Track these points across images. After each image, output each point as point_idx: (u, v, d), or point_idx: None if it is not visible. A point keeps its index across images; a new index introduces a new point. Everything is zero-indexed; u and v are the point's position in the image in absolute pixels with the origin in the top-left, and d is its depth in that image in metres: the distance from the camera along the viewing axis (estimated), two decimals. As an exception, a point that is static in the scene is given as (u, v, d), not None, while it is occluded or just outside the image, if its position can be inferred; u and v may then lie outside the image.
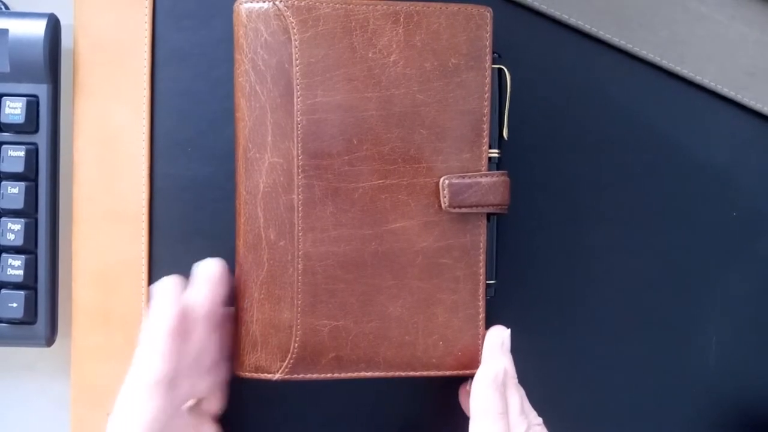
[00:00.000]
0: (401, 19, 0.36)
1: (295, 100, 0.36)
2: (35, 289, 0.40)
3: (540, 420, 0.38)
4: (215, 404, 0.38)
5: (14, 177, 0.40)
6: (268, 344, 0.36)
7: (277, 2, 0.36)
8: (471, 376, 0.37)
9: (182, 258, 0.39)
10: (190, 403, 0.37)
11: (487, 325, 0.38)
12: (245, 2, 0.36)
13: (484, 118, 0.37)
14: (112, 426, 0.32)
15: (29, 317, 0.40)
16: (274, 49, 0.36)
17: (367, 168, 0.36)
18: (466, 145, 0.37)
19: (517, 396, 0.37)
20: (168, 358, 0.32)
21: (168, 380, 0.32)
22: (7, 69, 0.40)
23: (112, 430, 0.32)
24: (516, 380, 0.37)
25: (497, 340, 0.37)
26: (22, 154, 0.39)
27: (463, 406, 0.40)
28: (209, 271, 0.35)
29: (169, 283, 0.34)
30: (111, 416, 0.32)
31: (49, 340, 0.41)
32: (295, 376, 0.36)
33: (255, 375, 0.37)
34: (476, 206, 0.37)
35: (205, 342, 0.36)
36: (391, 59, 0.36)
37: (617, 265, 0.43)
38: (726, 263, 0.44)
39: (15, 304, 0.39)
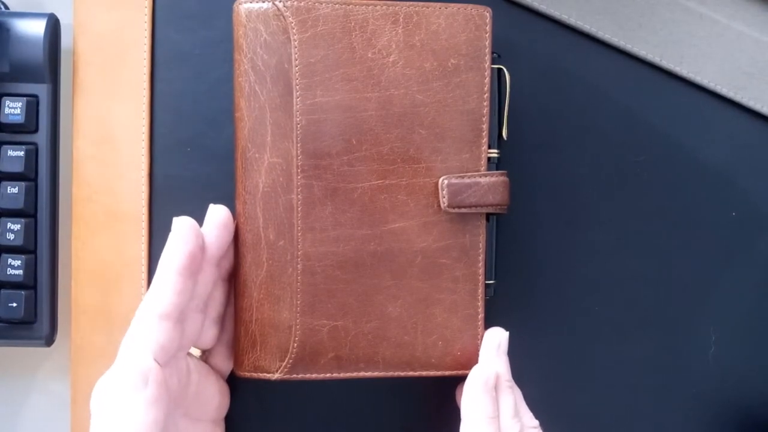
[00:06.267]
0: (400, 20, 0.36)
1: (294, 100, 0.36)
2: (35, 289, 0.40)
3: (536, 422, 0.38)
4: (222, 360, 0.39)
5: (14, 177, 0.40)
6: (267, 344, 0.36)
7: (276, 2, 0.36)
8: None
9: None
10: (197, 353, 0.39)
11: (487, 325, 0.38)
12: (245, 2, 0.36)
13: (484, 118, 0.37)
14: (124, 350, 0.33)
15: (29, 317, 0.40)
16: (273, 49, 0.36)
17: (366, 168, 0.36)
18: (465, 145, 0.37)
19: (510, 398, 0.37)
20: (178, 292, 0.33)
21: (177, 314, 0.33)
22: (7, 69, 0.40)
23: (124, 353, 0.33)
24: (510, 383, 0.37)
25: (494, 342, 0.37)
26: (21, 153, 0.39)
27: (460, 407, 0.40)
28: (216, 216, 0.36)
29: (185, 222, 0.34)
30: (123, 341, 0.33)
31: (49, 339, 0.41)
32: (294, 376, 0.37)
33: (254, 375, 0.37)
34: (475, 206, 0.37)
35: (211, 289, 0.37)
36: (391, 59, 0.36)
37: (617, 265, 0.43)
38: (726, 263, 0.44)
39: (15, 304, 0.39)
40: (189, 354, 0.37)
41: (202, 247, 0.35)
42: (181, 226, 0.34)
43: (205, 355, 0.39)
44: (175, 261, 0.33)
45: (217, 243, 0.36)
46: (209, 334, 0.37)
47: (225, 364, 0.39)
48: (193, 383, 0.36)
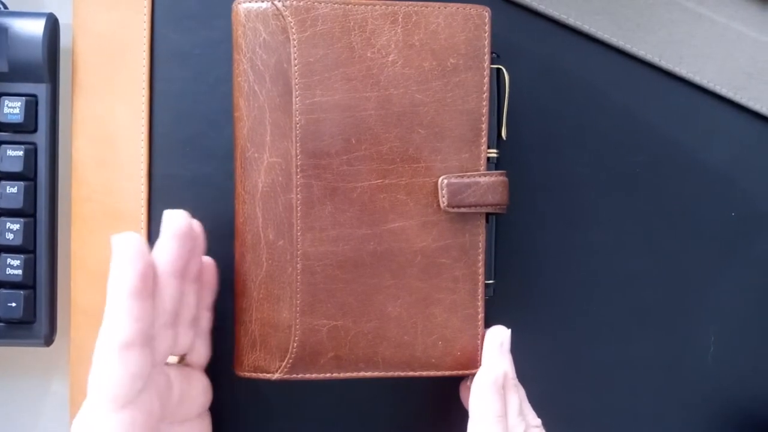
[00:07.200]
0: (400, 19, 0.36)
1: (293, 99, 0.36)
2: (34, 289, 0.40)
3: (539, 421, 0.38)
4: (199, 356, 0.38)
5: (13, 176, 0.40)
6: (267, 344, 0.36)
7: (275, 2, 0.36)
8: (472, 375, 0.37)
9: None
10: (174, 359, 0.37)
11: (487, 325, 0.38)
12: (244, 2, 0.36)
13: (483, 118, 0.37)
14: (93, 388, 0.30)
15: (28, 317, 0.40)
16: (272, 49, 0.36)
17: (365, 168, 0.36)
18: (464, 145, 0.37)
19: (516, 397, 0.37)
20: (135, 318, 0.30)
21: (141, 339, 0.31)
22: (6, 68, 0.40)
23: (94, 392, 0.30)
24: (515, 381, 0.37)
25: (497, 340, 0.37)
26: (21, 153, 0.39)
27: (464, 403, 0.40)
28: (173, 225, 0.33)
29: (128, 240, 0.31)
30: (90, 379, 0.31)
31: (48, 339, 0.41)
32: (294, 375, 0.37)
33: (254, 375, 0.37)
34: (475, 206, 0.37)
35: (181, 297, 0.34)
36: (390, 59, 0.36)
37: (617, 265, 0.43)
38: (725, 263, 0.44)
39: (14, 304, 0.39)
40: (167, 364, 0.35)
41: (151, 264, 0.32)
42: (124, 246, 0.31)
43: (183, 358, 0.38)
44: (125, 285, 0.31)
45: (178, 253, 0.33)
46: (186, 339, 0.36)
47: (203, 356, 0.38)
48: (175, 393, 0.35)
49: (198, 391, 0.37)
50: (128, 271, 0.31)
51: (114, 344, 0.30)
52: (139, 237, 0.32)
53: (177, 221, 0.33)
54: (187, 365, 0.38)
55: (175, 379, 0.35)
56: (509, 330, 0.38)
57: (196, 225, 0.36)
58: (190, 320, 0.36)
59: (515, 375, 0.37)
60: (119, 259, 0.31)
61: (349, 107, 0.36)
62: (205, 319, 0.38)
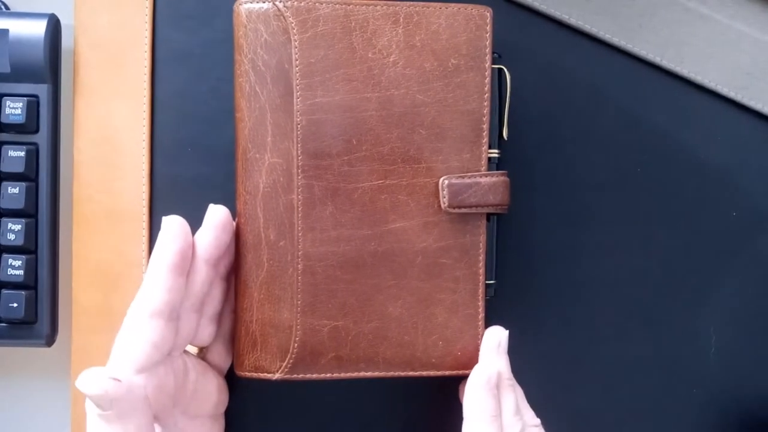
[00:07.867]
0: (401, 20, 0.36)
1: (294, 100, 0.36)
2: (36, 289, 0.40)
3: (537, 421, 0.38)
4: (219, 357, 0.39)
5: (15, 177, 0.40)
6: (267, 344, 0.36)
7: (276, 3, 0.36)
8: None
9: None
10: (194, 350, 0.39)
11: (487, 325, 0.38)
12: (245, 3, 0.36)
13: (484, 118, 0.37)
14: (117, 349, 0.33)
15: (30, 317, 0.40)
16: (273, 50, 0.36)
17: (366, 168, 0.36)
18: (465, 146, 0.37)
19: (511, 397, 0.37)
20: (168, 289, 0.33)
21: (168, 311, 0.33)
22: (8, 69, 0.40)
23: (116, 352, 0.33)
24: (511, 381, 0.37)
25: (494, 340, 0.37)
26: (22, 154, 0.39)
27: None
28: (214, 217, 0.36)
29: (174, 221, 0.34)
30: (116, 340, 0.33)
31: (50, 339, 0.41)
32: (295, 376, 0.37)
33: (255, 375, 0.37)
34: (476, 206, 0.37)
35: (209, 288, 0.36)
36: (391, 59, 0.36)
37: (617, 265, 0.43)
38: (726, 263, 0.44)
39: (15, 304, 0.39)
40: (186, 352, 0.37)
41: (191, 245, 0.35)
42: (171, 224, 0.34)
43: (203, 353, 0.39)
44: (166, 259, 0.33)
45: (215, 243, 0.36)
46: (206, 332, 0.37)
47: (223, 360, 0.39)
48: (190, 381, 0.36)
49: (213, 387, 0.38)
50: (170, 247, 0.34)
51: (144, 311, 0.33)
52: (184, 221, 0.35)
53: (218, 214, 0.36)
54: (206, 361, 0.39)
55: (192, 369, 0.36)
56: (507, 331, 0.38)
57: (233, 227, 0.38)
58: (213, 314, 0.37)
59: (511, 375, 0.37)
60: (164, 236, 0.34)
61: (350, 108, 0.36)
62: (228, 322, 0.39)
